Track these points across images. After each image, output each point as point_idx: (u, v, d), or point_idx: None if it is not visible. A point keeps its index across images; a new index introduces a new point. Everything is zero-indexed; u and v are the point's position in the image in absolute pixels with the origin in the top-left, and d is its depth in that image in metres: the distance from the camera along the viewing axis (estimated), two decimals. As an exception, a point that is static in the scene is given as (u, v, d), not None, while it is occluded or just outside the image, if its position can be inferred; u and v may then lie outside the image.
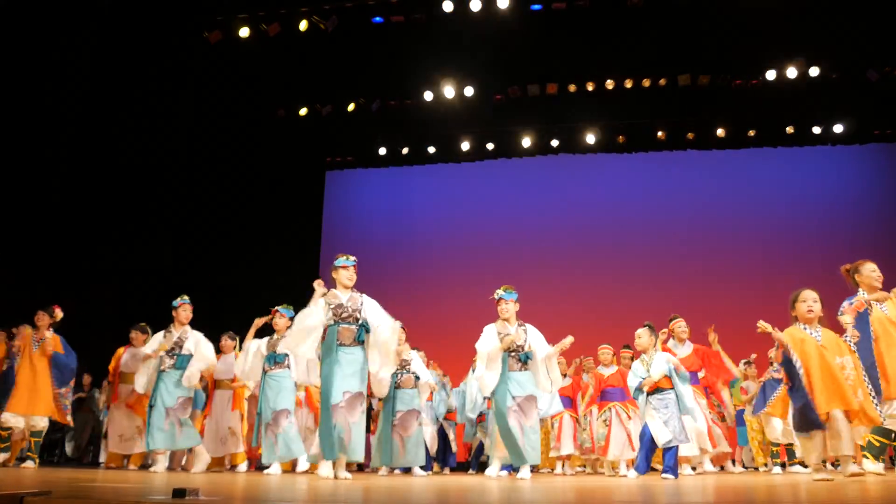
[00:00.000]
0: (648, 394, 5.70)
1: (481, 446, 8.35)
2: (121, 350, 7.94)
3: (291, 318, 6.94)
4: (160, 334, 6.83)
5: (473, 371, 7.44)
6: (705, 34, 9.60)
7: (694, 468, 6.81)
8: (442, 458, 8.45)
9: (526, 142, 11.68)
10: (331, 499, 2.89)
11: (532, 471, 7.07)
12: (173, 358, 6.66)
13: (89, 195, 10.36)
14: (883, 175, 11.35)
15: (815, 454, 4.31)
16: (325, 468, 5.03)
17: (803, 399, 4.31)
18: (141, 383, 6.77)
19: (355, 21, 9.66)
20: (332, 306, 5.30)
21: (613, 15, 9.39)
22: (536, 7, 9.41)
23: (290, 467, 7.28)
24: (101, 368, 8.56)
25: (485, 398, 7.55)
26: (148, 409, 6.57)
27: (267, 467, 6.54)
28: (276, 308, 7.04)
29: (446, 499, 3.02)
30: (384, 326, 5.39)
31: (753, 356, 8.98)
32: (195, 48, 10.02)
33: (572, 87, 10.69)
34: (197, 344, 6.76)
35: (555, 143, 11.80)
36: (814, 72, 10.10)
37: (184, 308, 6.81)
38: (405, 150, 12.16)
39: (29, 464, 6.76)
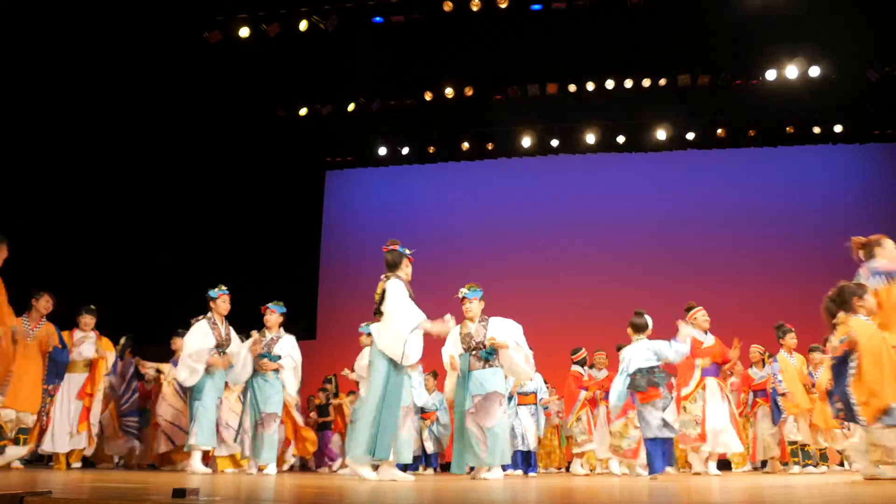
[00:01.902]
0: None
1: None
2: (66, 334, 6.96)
3: (283, 314, 6.76)
4: (203, 325, 6.38)
5: None
6: (705, 34, 9.60)
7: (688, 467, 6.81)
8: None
9: (526, 142, 11.68)
10: (336, 499, 2.88)
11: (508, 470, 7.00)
12: (223, 356, 6.38)
13: (89, 195, 10.35)
14: (883, 175, 11.35)
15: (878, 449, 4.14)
16: (369, 470, 4.76)
17: (847, 392, 4.17)
18: (184, 376, 6.32)
19: (355, 21, 9.66)
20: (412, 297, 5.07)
21: (613, 15, 9.39)
22: (536, 7, 9.41)
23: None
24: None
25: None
26: (192, 403, 6.25)
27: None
28: (267, 305, 6.75)
29: (451, 499, 3.01)
30: None
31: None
32: (195, 48, 10.02)
33: (572, 87, 10.69)
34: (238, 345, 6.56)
35: (555, 143, 11.79)
36: (814, 72, 10.10)
37: (223, 299, 6.44)
38: (405, 150, 12.16)
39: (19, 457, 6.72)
